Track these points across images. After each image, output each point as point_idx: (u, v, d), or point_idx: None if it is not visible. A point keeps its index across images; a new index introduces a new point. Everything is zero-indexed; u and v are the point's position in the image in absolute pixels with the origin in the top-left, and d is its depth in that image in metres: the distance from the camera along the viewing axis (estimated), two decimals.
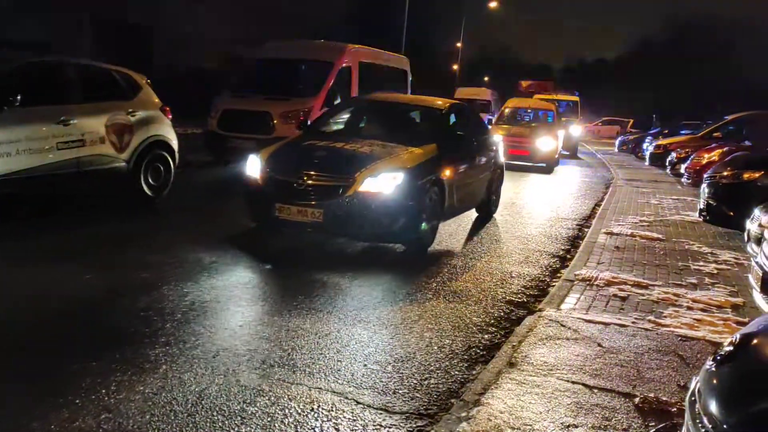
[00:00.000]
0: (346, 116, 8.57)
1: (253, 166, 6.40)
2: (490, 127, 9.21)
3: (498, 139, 9.21)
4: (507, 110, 19.53)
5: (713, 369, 2.15)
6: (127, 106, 7.81)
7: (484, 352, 4.05)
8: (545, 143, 16.45)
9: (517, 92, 30.27)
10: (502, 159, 9.15)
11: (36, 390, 3.15)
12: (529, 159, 16.41)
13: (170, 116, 8.53)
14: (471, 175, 7.64)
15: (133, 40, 22.42)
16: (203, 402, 3.14)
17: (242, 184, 6.56)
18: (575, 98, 26.51)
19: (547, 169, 16.68)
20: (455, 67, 49.78)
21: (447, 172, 6.69)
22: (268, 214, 6.14)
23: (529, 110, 19.69)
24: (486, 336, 4.36)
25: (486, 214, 8.71)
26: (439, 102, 8.31)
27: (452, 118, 8.01)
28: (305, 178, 5.95)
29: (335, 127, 8.23)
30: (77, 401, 3.07)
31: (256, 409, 3.11)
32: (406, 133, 7.18)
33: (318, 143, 6.78)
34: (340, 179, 5.94)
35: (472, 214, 8.60)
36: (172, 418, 2.98)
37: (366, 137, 7.05)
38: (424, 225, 6.25)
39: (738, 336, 2.28)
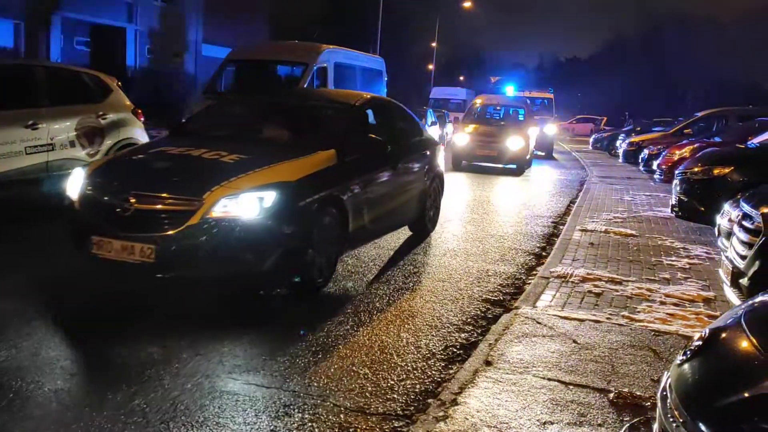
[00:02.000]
0: (232, 114, 6.76)
1: (74, 183, 4.77)
2: (426, 127, 7.81)
3: (437, 142, 7.91)
4: (475, 108, 18.32)
5: (683, 364, 2.17)
6: (97, 109, 7.70)
7: (461, 351, 4.06)
8: (515, 142, 15.43)
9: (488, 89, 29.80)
10: (441, 167, 7.74)
11: None
12: (498, 159, 15.53)
13: (142, 118, 8.43)
14: (394, 187, 6.25)
15: (106, 41, 22.14)
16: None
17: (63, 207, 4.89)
18: (550, 96, 25.54)
19: (517, 171, 15.79)
20: (430, 66, 49.96)
21: (351, 186, 5.32)
22: (83, 249, 4.47)
23: (498, 107, 18.56)
24: (463, 335, 4.37)
25: (421, 232, 7.32)
26: (351, 97, 6.79)
27: (367, 118, 6.47)
28: (134, 199, 4.32)
29: (216, 129, 6.30)
30: None
31: (231, 414, 3.07)
32: (299, 136, 5.81)
33: (171, 150, 5.19)
34: (182, 201, 4.35)
35: (449, 216, 8.61)
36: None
37: (244, 141, 5.62)
38: (312, 258, 4.76)
39: (707, 330, 2.31)
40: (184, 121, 6.40)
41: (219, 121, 6.53)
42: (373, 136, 5.89)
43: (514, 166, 15.74)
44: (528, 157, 16.64)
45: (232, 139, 5.72)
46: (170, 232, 4.27)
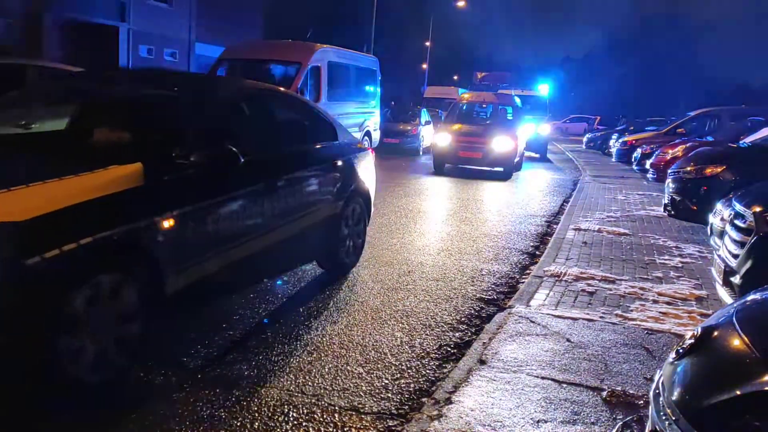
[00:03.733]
0: (34, 100, 4.99)
1: None
2: (341, 128, 5.85)
3: (360, 149, 6.01)
4: (459, 106, 16.80)
5: (676, 362, 2.18)
6: None
7: (455, 350, 4.07)
8: (501, 143, 14.11)
9: (474, 85, 28.16)
10: (366, 182, 5.90)
11: None
12: (482, 162, 14.28)
13: None
14: (270, 215, 4.34)
15: (99, 40, 22.05)
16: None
17: None
18: (544, 94, 24.33)
19: (504, 174, 14.44)
20: (424, 66, 49.96)
21: (169, 221, 3.39)
22: None
23: (484, 105, 17.00)
24: (457, 334, 4.37)
25: (336, 268, 5.54)
26: (198, 83, 4.99)
27: (215, 114, 4.19)
28: None
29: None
30: None
31: (225, 414, 3.07)
32: (100, 139, 4.00)
33: None
34: None
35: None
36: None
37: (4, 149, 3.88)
38: (64, 351, 2.89)
39: (699, 329, 2.32)
40: None
41: (8, 111, 4.69)
42: (220, 142, 3.84)
43: (500, 169, 14.48)
44: (517, 159, 15.35)
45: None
46: None
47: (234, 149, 3.80)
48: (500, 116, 16.30)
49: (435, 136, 15.48)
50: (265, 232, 4.29)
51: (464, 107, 16.72)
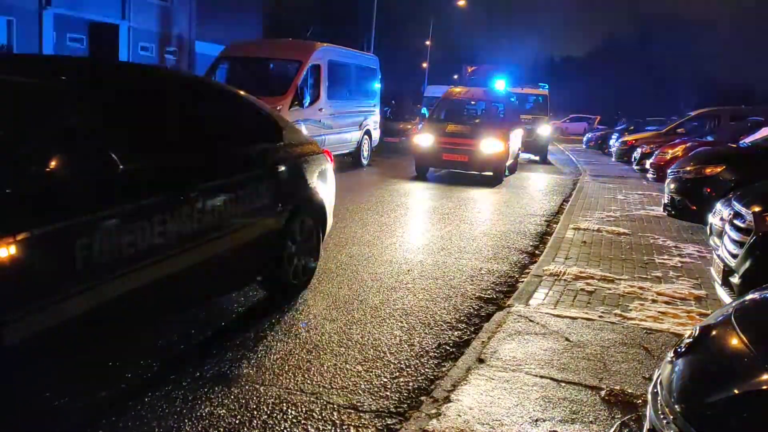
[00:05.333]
0: None
1: None
2: (301, 124, 5.00)
3: (313, 152, 5.13)
4: (445, 102, 15.02)
5: (674, 361, 2.19)
6: None
7: (454, 349, 4.08)
8: (490, 145, 12.57)
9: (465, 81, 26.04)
10: (320, 193, 5.10)
11: None
12: (469, 166, 12.79)
13: None
14: (170, 237, 3.43)
15: (99, 38, 22.07)
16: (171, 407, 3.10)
17: None
18: (544, 92, 22.64)
19: (494, 180, 13.07)
20: (424, 65, 49.95)
21: (6, 250, 2.52)
22: None
23: (473, 102, 15.36)
24: (456, 333, 4.38)
25: (280, 291, 4.79)
26: (78, 68, 3.79)
27: (123, 109, 3.49)
28: None
29: None
30: None
31: (224, 411, 3.07)
32: None
33: None
34: None
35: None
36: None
37: None
38: None
39: (698, 328, 2.33)
40: None
41: None
42: (111, 149, 3.11)
43: (490, 174, 13.08)
44: (510, 162, 13.99)
45: None
46: None
47: (112, 154, 3.05)
48: (491, 115, 14.61)
49: (416, 137, 13.83)
50: (165, 257, 3.39)
51: (451, 104, 14.93)
